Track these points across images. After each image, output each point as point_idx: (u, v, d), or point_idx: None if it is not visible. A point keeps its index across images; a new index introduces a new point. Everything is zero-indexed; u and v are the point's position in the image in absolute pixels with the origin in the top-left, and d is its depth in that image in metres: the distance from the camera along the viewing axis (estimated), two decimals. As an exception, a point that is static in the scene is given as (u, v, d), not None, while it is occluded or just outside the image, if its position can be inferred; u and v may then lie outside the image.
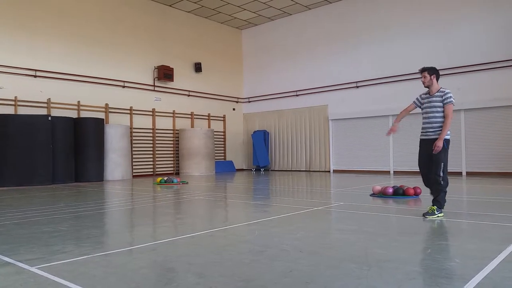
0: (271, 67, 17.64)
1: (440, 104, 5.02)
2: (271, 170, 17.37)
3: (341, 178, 12.45)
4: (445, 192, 4.99)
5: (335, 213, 5.59)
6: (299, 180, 11.94)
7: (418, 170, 5.30)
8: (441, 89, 5.11)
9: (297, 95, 16.73)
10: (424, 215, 4.95)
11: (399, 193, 6.83)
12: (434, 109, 5.05)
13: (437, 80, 5.16)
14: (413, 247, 3.49)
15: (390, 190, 6.91)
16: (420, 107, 5.29)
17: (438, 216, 4.89)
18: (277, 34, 17.43)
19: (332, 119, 15.71)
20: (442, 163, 4.91)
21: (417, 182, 9.69)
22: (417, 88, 12.98)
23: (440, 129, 4.97)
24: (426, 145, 5.10)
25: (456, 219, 4.94)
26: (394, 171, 13.93)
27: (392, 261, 3.02)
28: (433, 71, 5.16)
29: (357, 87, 14.98)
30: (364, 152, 14.82)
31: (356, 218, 5.02)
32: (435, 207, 4.92)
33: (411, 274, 2.71)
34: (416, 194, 6.84)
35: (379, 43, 14.44)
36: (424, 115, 5.20)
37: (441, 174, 4.91)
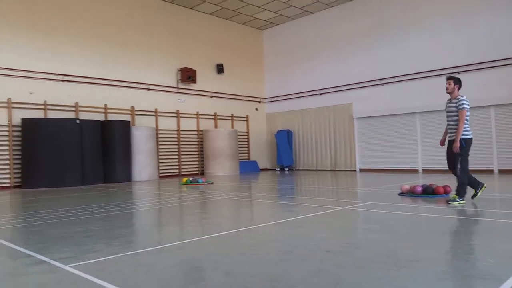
0: (293, 66, 17.57)
1: (456, 109, 5.79)
2: (295, 169, 17.30)
3: (367, 177, 12.28)
4: (463, 183, 5.70)
5: (363, 212, 5.52)
6: (325, 179, 11.85)
7: (448, 168, 6.08)
8: (459, 97, 5.84)
9: (320, 94, 16.60)
10: (447, 201, 5.73)
11: (429, 191, 6.68)
12: (451, 113, 5.88)
13: (458, 89, 5.92)
14: (443, 246, 3.41)
15: (419, 189, 6.76)
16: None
17: (459, 203, 5.61)
18: (298, 33, 17.35)
19: (356, 117, 15.52)
20: (460, 158, 5.72)
21: (447, 180, 9.46)
22: (444, 85, 12.70)
23: (455, 131, 5.79)
24: (448, 144, 6.04)
25: (489, 218, 4.79)
26: (423, 170, 13.63)
27: (422, 261, 2.96)
28: (457, 81, 5.92)
29: (382, 84, 14.75)
30: (391, 150, 14.56)
31: (384, 218, 4.94)
32: (456, 196, 5.68)
33: (442, 274, 2.65)
34: (446, 192, 6.66)
35: (404, 39, 14.15)
36: (447, 119, 6.05)
37: (458, 166, 5.72)
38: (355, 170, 15.41)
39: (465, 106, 5.70)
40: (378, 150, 14.94)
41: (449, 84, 5.89)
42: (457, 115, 5.75)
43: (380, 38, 14.79)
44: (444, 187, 6.71)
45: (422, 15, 13.76)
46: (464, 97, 5.79)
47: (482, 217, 4.81)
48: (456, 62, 12.79)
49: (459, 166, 5.71)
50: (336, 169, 16.08)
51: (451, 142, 5.93)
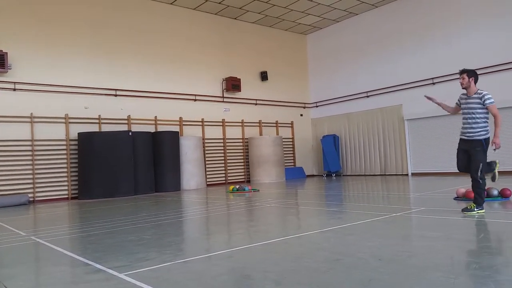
0: (338, 69, 17.31)
1: (479, 105, 5.20)
2: (343, 175, 16.97)
3: (420, 181, 11.81)
4: (482, 189, 5.17)
5: (416, 219, 5.30)
6: (374, 184, 11.52)
7: (460, 171, 5.56)
8: (479, 91, 5.26)
9: (367, 96, 16.22)
10: (463, 210, 5.21)
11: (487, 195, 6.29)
12: (472, 111, 5.25)
13: (475, 82, 5.33)
14: (505, 254, 3.19)
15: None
16: (459, 106, 5.54)
17: (477, 212, 5.10)
18: (343, 36, 17.09)
19: (407, 119, 14.98)
20: (481, 164, 5.12)
21: (507, 183, 8.89)
22: (500, 82, 12.01)
23: (480, 130, 5.18)
24: (464, 144, 5.37)
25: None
26: (479, 172, 12.88)
27: (482, 269, 2.78)
28: (472, 74, 5.34)
29: (434, 83, 14.15)
30: (446, 153, 13.85)
31: (440, 224, 4.71)
32: (474, 205, 5.15)
33: (506, 284, 2.47)
34: (506, 196, 6.27)
35: (455, 36, 13.53)
36: (463, 116, 5.41)
37: (479, 174, 5.10)
38: (407, 175, 14.86)
39: (493, 100, 5.12)
40: (432, 153, 14.31)
41: (463, 79, 5.29)
42: (482, 112, 5.15)
43: (429, 36, 14.23)
44: (504, 190, 6.33)
45: (472, 10, 13.10)
46: (486, 91, 5.21)
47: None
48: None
49: (479, 174, 5.07)
50: (387, 173, 15.58)
51: (467, 142, 5.30)
